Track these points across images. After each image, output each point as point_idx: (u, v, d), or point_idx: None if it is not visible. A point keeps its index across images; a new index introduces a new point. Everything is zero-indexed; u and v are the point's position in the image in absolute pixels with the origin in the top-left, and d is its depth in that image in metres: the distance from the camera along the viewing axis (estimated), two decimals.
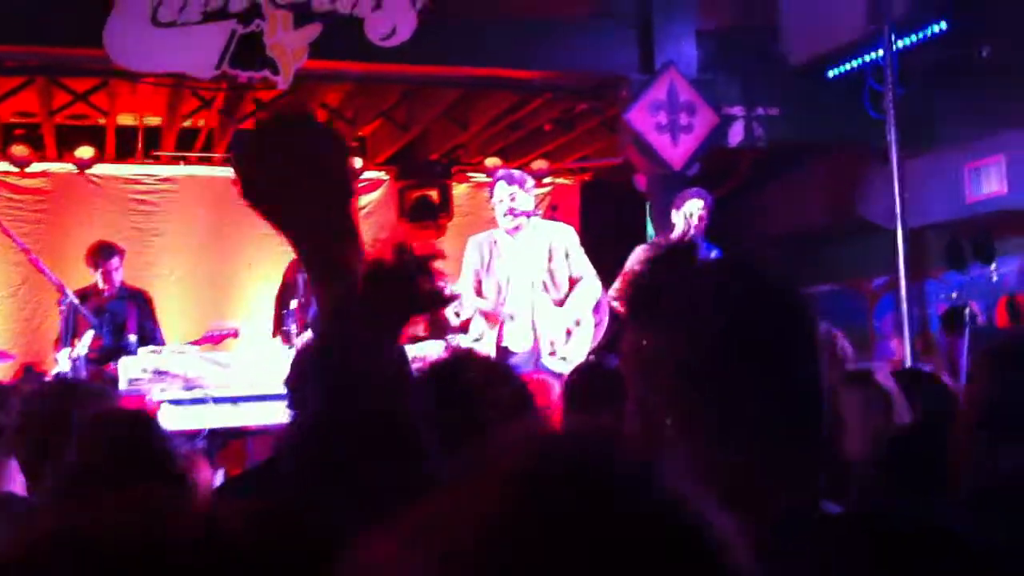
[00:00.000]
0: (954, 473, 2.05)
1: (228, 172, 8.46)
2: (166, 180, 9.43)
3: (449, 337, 6.18)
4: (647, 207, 7.92)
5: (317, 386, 1.54)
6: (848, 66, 7.54)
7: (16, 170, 8.92)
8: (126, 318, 7.00)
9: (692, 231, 6.58)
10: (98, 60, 6.77)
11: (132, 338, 6.87)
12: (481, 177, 9.99)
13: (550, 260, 6.14)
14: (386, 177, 9.95)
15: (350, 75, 7.82)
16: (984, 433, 2.03)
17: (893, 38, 6.29)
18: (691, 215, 6.57)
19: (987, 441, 2.02)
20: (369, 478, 1.58)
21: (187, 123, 8.90)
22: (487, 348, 5.87)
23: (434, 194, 9.73)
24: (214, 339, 6.80)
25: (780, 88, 8.16)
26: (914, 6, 6.58)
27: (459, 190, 10.05)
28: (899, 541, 1.28)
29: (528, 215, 6.02)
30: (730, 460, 1.26)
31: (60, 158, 8.96)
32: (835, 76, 7.74)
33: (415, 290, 1.47)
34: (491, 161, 9.73)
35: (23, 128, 8.75)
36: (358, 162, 9.54)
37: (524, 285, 5.97)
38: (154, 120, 8.94)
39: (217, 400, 5.85)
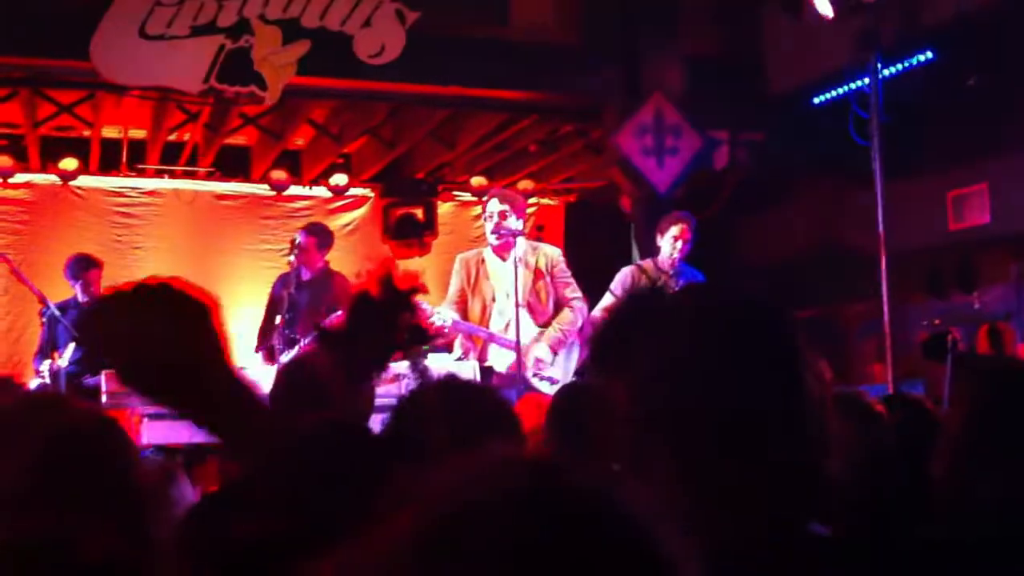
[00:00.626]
0: (937, 498, 2.05)
1: (213, 187, 8.49)
2: (150, 193, 9.39)
3: (432, 356, 6.16)
4: (632, 229, 7.95)
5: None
6: (833, 93, 7.59)
7: None
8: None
9: (677, 255, 6.60)
10: (84, 72, 6.75)
11: None
12: (466, 196, 9.99)
13: (536, 280, 6.15)
14: (371, 194, 9.94)
15: (337, 92, 7.82)
16: (965, 459, 2.04)
17: (880, 67, 6.35)
18: (677, 238, 6.59)
19: (968, 467, 2.02)
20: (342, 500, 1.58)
21: (172, 136, 8.88)
22: (470, 368, 5.86)
23: (419, 212, 9.73)
24: None
25: (764, 114, 8.21)
26: (901, 35, 6.65)
27: (444, 208, 10.05)
28: (889, 564, 1.28)
29: (516, 235, 6.03)
30: (710, 482, 1.26)
31: (44, 169, 8.92)
32: (820, 103, 7.79)
33: (400, 326, 1.48)
34: (477, 180, 9.75)
35: (6, 139, 8.71)
36: (343, 179, 9.53)
37: (509, 304, 5.96)
38: (139, 133, 8.91)
39: None
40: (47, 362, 6.71)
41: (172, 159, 9.23)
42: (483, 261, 6.23)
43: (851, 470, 2.26)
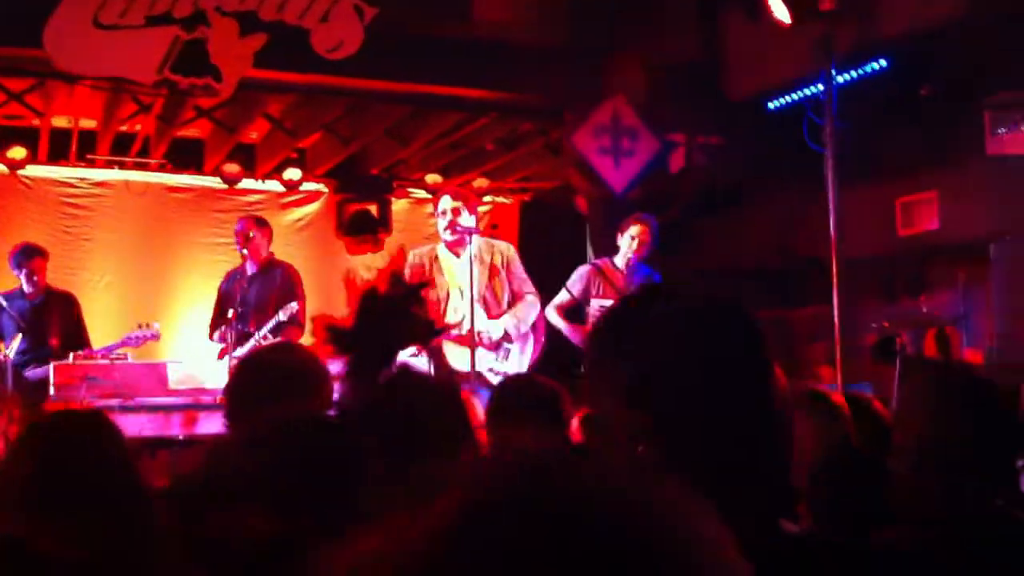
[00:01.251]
0: (893, 500, 2.08)
1: (164, 178, 8.36)
2: (100, 184, 9.25)
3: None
4: (587, 229, 7.98)
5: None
6: (789, 99, 7.67)
7: None
8: (49, 322, 6.84)
9: (633, 255, 6.65)
10: (34, 60, 6.64)
11: (53, 342, 6.72)
12: (421, 193, 9.97)
13: (491, 277, 6.15)
14: (325, 190, 9.88)
15: (294, 86, 7.76)
16: (919, 465, 2.07)
17: (835, 74, 6.43)
18: (635, 238, 6.63)
19: (923, 472, 2.05)
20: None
21: (124, 127, 8.75)
22: (424, 363, 5.84)
23: (373, 209, 9.69)
24: (131, 343, 6.68)
25: (722, 118, 8.27)
26: (857, 44, 6.73)
27: (399, 205, 10.01)
28: (858, 563, 1.30)
29: (470, 232, 6.03)
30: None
31: None
32: (776, 108, 7.87)
33: (409, 320, 1.48)
34: (432, 178, 9.73)
35: None
36: (297, 173, 9.47)
37: (464, 301, 5.96)
38: (90, 123, 8.78)
39: (148, 408, 5.75)
40: None
41: (123, 150, 9.10)
42: (436, 258, 6.21)
43: (817, 467, 2.30)
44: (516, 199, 10.48)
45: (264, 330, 6.52)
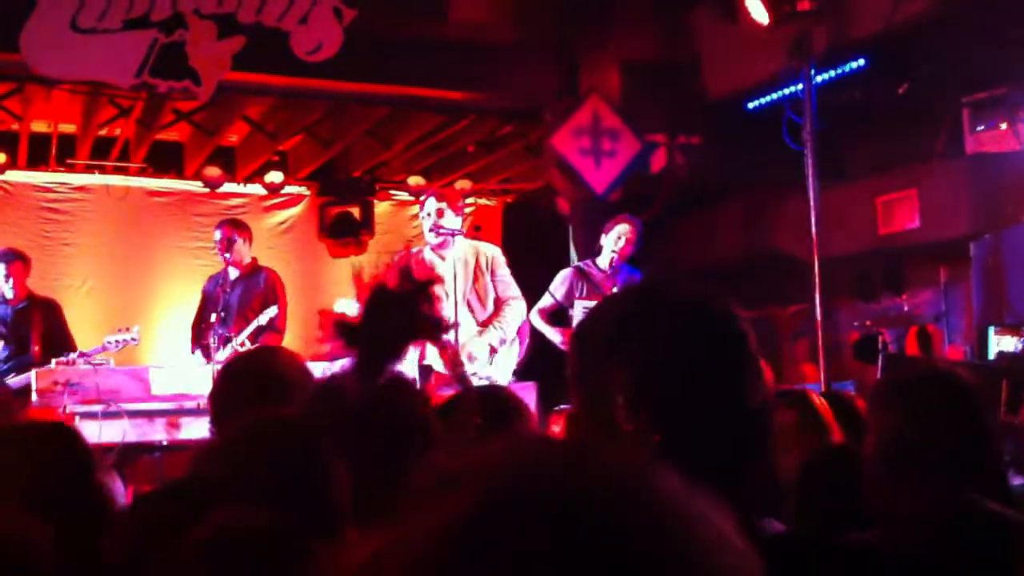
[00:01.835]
0: (867, 500, 2.09)
1: (145, 183, 8.29)
2: (80, 189, 9.21)
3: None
4: (570, 230, 7.99)
5: None
6: (767, 99, 7.69)
7: None
8: (30, 329, 6.79)
9: (618, 255, 6.66)
10: (12, 64, 6.60)
11: (35, 349, 6.67)
12: (403, 196, 9.95)
13: (475, 279, 6.14)
14: (307, 192, 9.86)
15: (274, 89, 7.74)
16: (891, 465, 2.07)
17: (813, 72, 6.45)
18: (621, 237, 6.65)
19: (894, 473, 2.06)
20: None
21: (103, 132, 8.72)
22: (409, 367, 5.83)
23: (355, 211, 9.67)
24: (111, 348, 6.65)
25: (701, 118, 8.29)
26: (834, 43, 6.76)
27: (381, 208, 10.00)
28: (838, 562, 1.30)
29: (454, 234, 6.02)
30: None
31: None
32: (754, 108, 7.90)
33: (418, 316, 1.48)
34: (414, 180, 9.71)
35: None
36: (278, 177, 9.44)
37: (448, 303, 5.95)
38: (69, 128, 8.74)
39: (131, 414, 5.72)
40: None
41: (103, 154, 9.06)
42: (421, 260, 6.20)
43: (800, 466, 2.30)
44: (499, 201, 10.49)
45: (243, 336, 6.49)
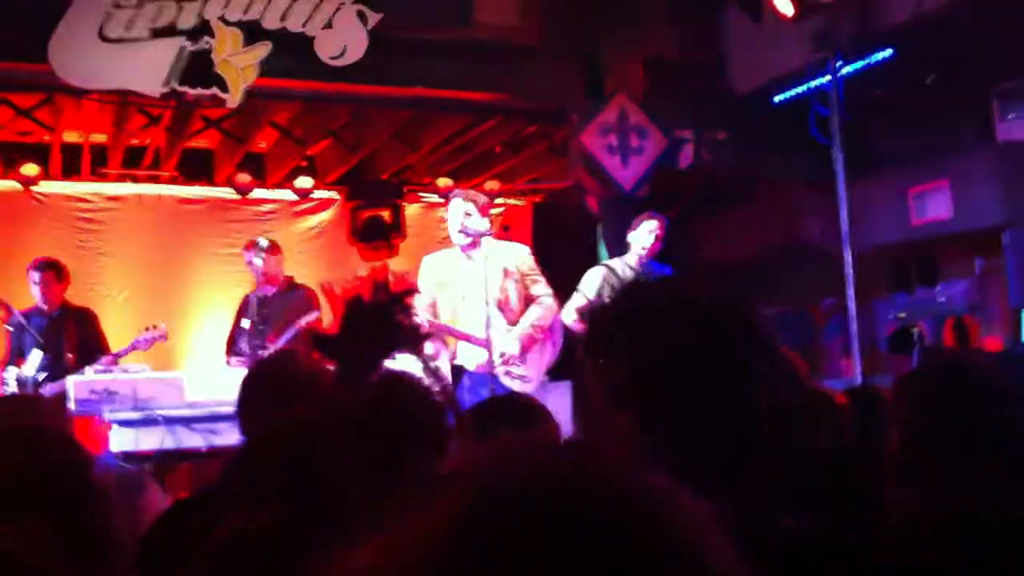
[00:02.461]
0: (885, 499, 2.05)
1: (176, 191, 8.35)
2: (112, 198, 9.30)
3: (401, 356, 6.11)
4: (598, 229, 7.97)
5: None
6: (793, 92, 7.63)
7: None
8: (64, 337, 6.86)
9: (646, 253, 6.65)
10: (43, 75, 6.67)
11: (69, 357, 6.74)
12: (433, 198, 9.97)
13: (505, 279, 6.13)
14: (337, 197, 9.90)
15: (300, 93, 7.78)
16: (910, 459, 2.04)
17: (839, 64, 6.40)
18: (651, 232, 6.65)
19: (910, 468, 2.03)
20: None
21: (134, 141, 8.80)
22: (442, 366, 5.84)
23: (386, 214, 9.70)
24: (141, 346, 6.70)
25: (728, 113, 8.25)
26: (860, 33, 6.70)
27: (411, 210, 10.02)
28: (847, 562, 1.29)
29: (482, 235, 6.02)
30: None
31: (5, 175, 8.81)
32: (781, 101, 7.84)
33: (395, 326, 1.49)
34: (443, 181, 9.73)
35: None
36: (308, 181, 9.49)
37: (479, 304, 5.94)
38: (100, 137, 8.83)
39: (168, 421, 5.76)
40: (14, 370, 6.64)
41: (134, 163, 9.15)
42: (451, 262, 6.21)
43: (816, 465, 2.28)
44: (528, 200, 10.48)
45: (282, 340, 6.53)
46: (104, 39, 6.52)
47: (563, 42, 7.71)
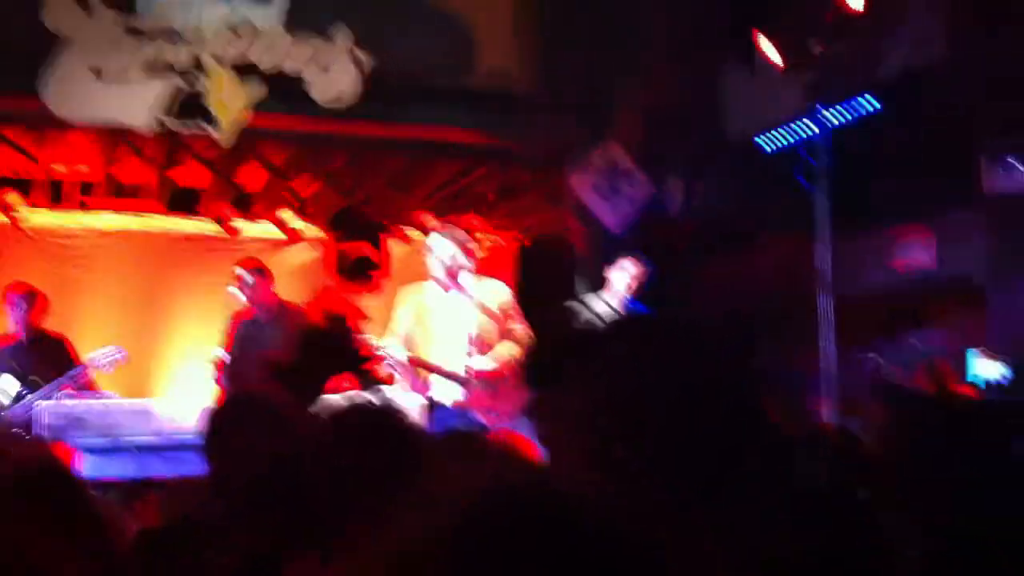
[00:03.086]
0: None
1: (163, 225, 8.31)
2: (98, 232, 9.27)
3: (375, 389, 6.07)
4: (583, 271, 8.00)
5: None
6: (784, 141, 7.72)
7: None
8: (33, 363, 6.79)
9: (628, 292, 6.69)
10: (31, 108, 6.68)
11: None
12: (419, 235, 9.95)
13: (485, 316, 6.08)
14: (323, 235, 9.90)
15: (293, 134, 7.80)
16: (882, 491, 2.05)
17: (828, 116, 6.48)
18: (626, 275, 6.69)
19: (884, 499, 2.04)
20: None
21: (122, 175, 8.79)
22: (414, 400, 5.80)
23: (371, 253, 9.71)
24: (99, 364, 6.64)
25: (719, 161, 8.31)
26: (849, 88, 6.80)
27: (397, 249, 10.01)
28: None
29: (461, 271, 6.02)
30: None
31: None
32: (772, 151, 7.91)
33: (343, 351, 1.52)
34: (430, 221, 9.73)
35: None
36: (295, 219, 9.49)
37: (456, 340, 5.93)
38: (87, 170, 8.81)
39: (138, 448, 5.72)
40: None
41: (122, 197, 9.13)
42: (429, 296, 6.16)
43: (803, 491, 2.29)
44: (511, 238, 10.46)
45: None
46: (98, 75, 6.55)
47: (562, 90, 7.75)
